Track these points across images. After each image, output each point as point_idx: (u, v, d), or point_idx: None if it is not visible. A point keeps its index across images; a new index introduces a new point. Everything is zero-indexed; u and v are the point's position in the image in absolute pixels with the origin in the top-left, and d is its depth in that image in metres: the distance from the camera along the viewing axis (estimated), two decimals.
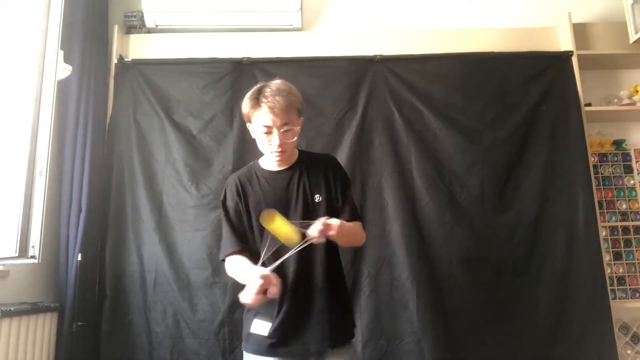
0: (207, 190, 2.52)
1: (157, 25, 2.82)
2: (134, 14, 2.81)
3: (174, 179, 2.56)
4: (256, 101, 1.50)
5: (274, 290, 1.34)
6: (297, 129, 1.54)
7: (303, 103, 1.57)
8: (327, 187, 1.58)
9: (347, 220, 1.50)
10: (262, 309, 1.52)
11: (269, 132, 1.50)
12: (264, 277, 1.34)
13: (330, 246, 1.51)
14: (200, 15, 2.78)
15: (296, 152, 1.63)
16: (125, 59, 2.70)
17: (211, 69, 2.68)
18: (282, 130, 1.49)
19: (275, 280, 1.35)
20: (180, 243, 2.48)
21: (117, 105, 2.66)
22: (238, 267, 1.52)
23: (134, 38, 2.80)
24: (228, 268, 1.58)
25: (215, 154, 2.58)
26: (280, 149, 1.51)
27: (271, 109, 1.46)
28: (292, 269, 1.51)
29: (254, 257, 1.48)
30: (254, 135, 1.58)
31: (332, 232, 1.36)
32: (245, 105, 1.55)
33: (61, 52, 2.25)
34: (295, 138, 1.54)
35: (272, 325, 1.49)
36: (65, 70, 2.32)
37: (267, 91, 1.49)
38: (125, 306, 2.43)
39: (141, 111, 2.65)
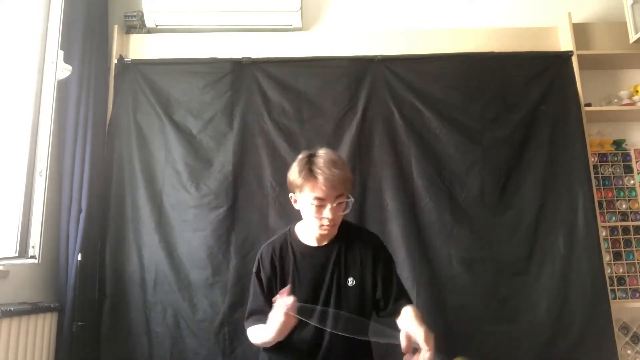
0: (207, 190, 2.52)
1: (157, 25, 2.82)
2: (134, 14, 2.80)
3: (174, 179, 2.56)
4: (309, 172, 1.40)
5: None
6: (350, 201, 1.45)
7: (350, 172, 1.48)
8: (362, 272, 1.49)
9: (408, 305, 1.45)
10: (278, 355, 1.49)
11: (321, 205, 1.40)
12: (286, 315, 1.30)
13: None
14: (200, 15, 2.78)
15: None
16: (125, 59, 2.70)
17: (211, 69, 2.68)
18: (335, 203, 1.40)
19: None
20: (180, 243, 2.48)
21: (117, 105, 2.66)
22: (260, 328, 1.45)
23: (134, 38, 2.80)
24: (251, 337, 1.50)
25: (215, 154, 2.58)
26: (331, 223, 1.42)
27: (328, 181, 1.37)
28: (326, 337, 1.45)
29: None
30: (297, 206, 1.49)
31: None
32: (295, 175, 1.43)
33: (61, 52, 2.25)
34: (347, 211, 1.46)
35: None
36: (65, 70, 2.32)
37: (321, 162, 1.40)
38: (125, 306, 2.43)
39: (141, 111, 2.65)
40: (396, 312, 1.47)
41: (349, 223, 1.59)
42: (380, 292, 1.50)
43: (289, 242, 1.54)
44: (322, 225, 1.43)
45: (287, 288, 1.33)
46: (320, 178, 1.37)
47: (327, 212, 1.40)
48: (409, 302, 1.50)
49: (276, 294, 1.39)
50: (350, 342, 1.39)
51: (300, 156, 1.47)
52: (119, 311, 2.42)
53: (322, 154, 1.43)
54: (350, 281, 1.48)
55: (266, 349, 1.53)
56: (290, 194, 1.50)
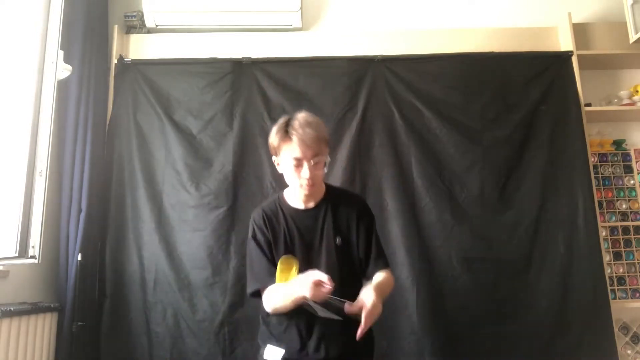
0: (207, 190, 2.52)
1: (157, 25, 2.82)
2: (134, 14, 2.80)
3: (174, 179, 2.56)
4: (285, 134, 1.46)
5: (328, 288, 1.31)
6: (327, 159, 1.52)
7: (327, 133, 1.54)
8: (348, 230, 1.55)
9: (382, 269, 1.50)
10: (277, 334, 1.51)
11: (299, 165, 1.46)
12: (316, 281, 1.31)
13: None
14: (200, 15, 2.78)
15: (323, 186, 1.60)
16: (125, 59, 2.70)
17: (211, 69, 2.68)
18: (312, 162, 1.46)
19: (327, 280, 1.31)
20: (180, 243, 2.48)
21: (117, 105, 2.66)
22: (280, 290, 1.45)
23: (134, 38, 2.80)
24: (268, 298, 1.48)
25: (215, 154, 2.58)
26: (310, 182, 1.47)
27: (302, 141, 1.43)
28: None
29: None
30: (280, 169, 1.55)
31: (372, 320, 1.31)
32: (274, 138, 1.50)
33: (61, 52, 2.25)
34: (325, 170, 1.53)
35: (286, 350, 1.47)
36: (65, 70, 2.32)
37: (296, 124, 1.46)
38: (125, 306, 2.43)
39: (141, 111, 2.65)
40: (371, 276, 1.50)
41: (334, 186, 1.66)
42: (362, 251, 1.55)
43: (279, 205, 1.58)
44: (302, 185, 1.49)
45: (329, 278, 1.32)
46: (295, 138, 1.44)
47: (305, 172, 1.46)
48: (386, 265, 1.56)
49: (274, 254, 1.48)
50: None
51: (279, 120, 1.53)
52: (119, 311, 2.43)
53: (299, 116, 1.49)
54: (338, 240, 1.52)
55: (268, 320, 1.55)
56: (274, 158, 1.56)
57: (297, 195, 1.56)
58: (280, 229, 1.54)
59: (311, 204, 1.56)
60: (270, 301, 1.47)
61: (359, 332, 1.31)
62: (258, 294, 1.50)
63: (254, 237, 1.55)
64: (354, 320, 1.35)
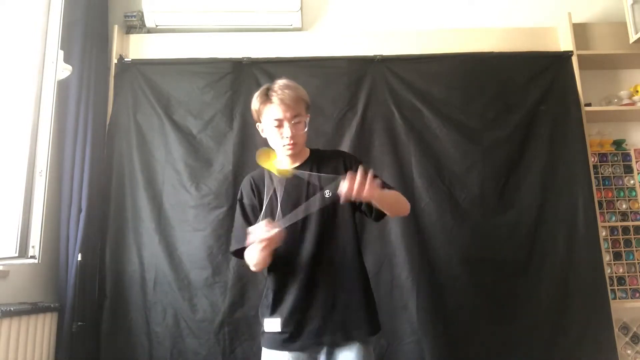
0: (207, 190, 2.52)
1: (157, 25, 2.82)
2: (134, 14, 2.80)
3: (174, 179, 2.56)
4: (266, 97, 1.54)
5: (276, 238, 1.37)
6: (307, 120, 1.59)
7: (309, 98, 1.62)
8: (336, 181, 1.56)
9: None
10: (273, 303, 1.54)
11: (280, 125, 1.53)
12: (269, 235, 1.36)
13: (354, 230, 1.57)
14: (200, 15, 2.78)
15: (307, 150, 1.66)
16: (125, 59, 2.70)
17: (211, 69, 2.68)
18: (292, 122, 1.53)
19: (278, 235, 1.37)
20: (180, 243, 2.48)
21: (117, 105, 2.66)
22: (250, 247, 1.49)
23: (134, 38, 2.80)
24: (248, 256, 1.53)
25: (215, 154, 2.58)
26: (292, 141, 1.53)
27: (282, 101, 1.51)
28: (308, 249, 1.53)
29: None
30: (264, 134, 1.62)
31: (369, 193, 1.34)
32: (255, 103, 1.58)
33: (61, 52, 2.25)
34: (306, 130, 1.58)
35: (282, 319, 1.50)
36: (65, 70, 2.32)
37: (275, 87, 1.54)
38: (125, 306, 2.43)
39: (141, 111, 2.65)
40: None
41: (317, 149, 1.71)
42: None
43: (266, 170, 1.62)
44: (284, 145, 1.55)
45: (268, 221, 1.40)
46: (275, 99, 1.52)
47: (286, 131, 1.53)
48: (390, 188, 1.60)
49: (259, 214, 1.55)
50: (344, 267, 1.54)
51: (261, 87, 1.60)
52: (119, 311, 2.43)
53: (278, 81, 1.57)
54: (327, 193, 1.55)
55: (270, 275, 1.60)
56: (257, 125, 1.63)
57: (281, 157, 1.61)
58: (267, 192, 1.58)
59: (297, 164, 1.61)
60: (248, 258, 1.52)
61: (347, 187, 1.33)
62: (240, 254, 1.56)
63: (240, 201, 1.63)
64: (354, 291, 1.48)
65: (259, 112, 1.58)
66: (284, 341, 1.50)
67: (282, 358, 1.49)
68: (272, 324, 1.52)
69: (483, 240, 2.49)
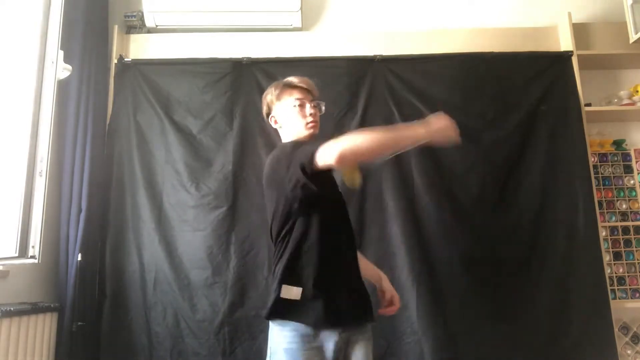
0: (207, 190, 2.52)
1: (157, 25, 2.82)
2: (134, 14, 2.80)
3: (174, 179, 2.55)
4: (285, 84, 1.63)
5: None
6: (323, 107, 1.67)
7: None
8: None
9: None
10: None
11: (302, 105, 1.60)
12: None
13: None
14: (200, 15, 2.78)
15: None
16: (125, 59, 2.70)
17: (211, 69, 2.68)
18: (312, 104, 1.62)
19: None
20: (180, 243, 2.48)
21: (117, 105, 2.65)
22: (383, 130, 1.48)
23: (134, 38, 2.80)
24: (345, 140, 1.48)
25: (215, 154, 2.58)
26: (314, 118, 1.60)
27: (303, 82, 1.63)
28: (347, 232, 1.58)
29: None
30: (279, 122, 1.65)
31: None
32: (272, 92, 1.65)
33: (61, 52, 2.25)
34: (322, 112, 1.67)
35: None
36: (65, 70, 2.31)
37: (292, 77, 1.65)
38: (125, 306, 2.43)
39: (141, 111, 2.65)
40: None
41: None
42: None
43: None
44: (307, 124, 1.60)
45: None
46: (296, 81, 1.63)
47: (309, 109, 1.61)
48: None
49: None
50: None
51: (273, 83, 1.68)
52: (119, 311, 2.42)
53: (291, 76, 1.67)
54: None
55: (313, 250, 1.48)
56: (271, 117, 1.67)
57: (303, 138, 1.61)
58: None
59: None
60: (351, 141, 1.46)
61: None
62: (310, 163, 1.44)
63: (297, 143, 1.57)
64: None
65: (277, 98, 1.63)
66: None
67: (328, 336, 1.43)
68: (292, 291, 1.42)
69: (483, 240, 2.49)
